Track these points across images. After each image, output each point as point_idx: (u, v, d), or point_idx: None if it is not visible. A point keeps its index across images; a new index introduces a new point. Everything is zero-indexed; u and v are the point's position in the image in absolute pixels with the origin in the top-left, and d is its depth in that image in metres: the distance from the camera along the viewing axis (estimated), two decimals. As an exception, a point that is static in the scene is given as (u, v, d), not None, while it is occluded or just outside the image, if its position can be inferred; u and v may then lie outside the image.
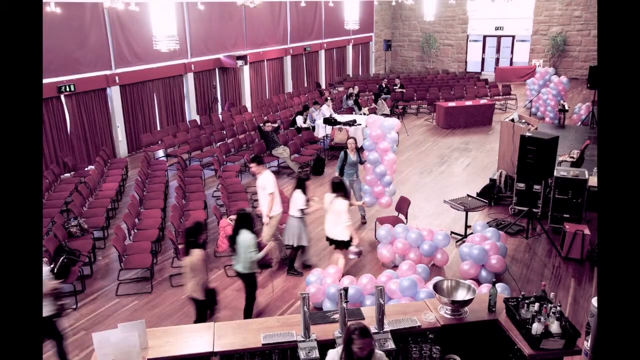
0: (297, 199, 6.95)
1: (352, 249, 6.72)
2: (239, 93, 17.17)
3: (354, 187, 8.51)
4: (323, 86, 21.20)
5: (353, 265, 7.38)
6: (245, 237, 5.70)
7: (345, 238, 6.66)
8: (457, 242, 7.89)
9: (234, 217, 7.62)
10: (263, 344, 4.08)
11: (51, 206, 8.57)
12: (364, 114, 14.75)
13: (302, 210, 6.97)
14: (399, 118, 15.31)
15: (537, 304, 4.18)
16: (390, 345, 4.06)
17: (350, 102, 15.89)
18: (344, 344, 3.37)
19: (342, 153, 8.47)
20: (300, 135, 12.87)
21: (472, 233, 7.65)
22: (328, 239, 6.86)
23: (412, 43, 26.74)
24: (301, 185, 7.02)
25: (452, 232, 8.15)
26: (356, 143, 8.54)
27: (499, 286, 5.64)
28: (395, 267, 7.08)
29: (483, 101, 16.42)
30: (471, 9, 24.05)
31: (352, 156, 8.38)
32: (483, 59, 25.60)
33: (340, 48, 22.80)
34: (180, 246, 6.60)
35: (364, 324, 3.43)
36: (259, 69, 17.87)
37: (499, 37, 25.01)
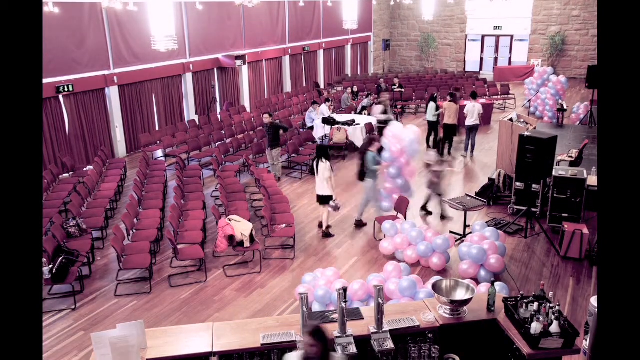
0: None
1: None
2: (238, 93, 17.16)
3: (374, 192, 8.60)
4: (322, 86, 21.20)
5: (352, 265, 7.39)
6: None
7: (328, 193, 8.07)
8: (456, 241, 7.89)
9: (232, 217, 7.64)
10: (262, 344, 4.08)
11: (50, 206, 8.55)
12: (362, 113, 14.75)
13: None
14: (397, 118, 15.32)
15: (536, 304, 4.19)
16: (389, 345, 4.06)
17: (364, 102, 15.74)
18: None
19: (370, 154, 8.34)
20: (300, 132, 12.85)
21: (471, 233, 7.66)
22: (318, 197, 8.24)
23: (411, 43, 26.76)
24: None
25: (451, 232, 8.16)
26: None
27: (498, 285, 5.64)
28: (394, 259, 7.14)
29: (482, 101, 16.38)
30: (470, 9, 24.04)
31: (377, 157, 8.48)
32: (482, 59, 25.61)
33: (338, 48, 22.80)
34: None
35: (321, 326, 3.39)
36: (257, 68, 17.86)
37: (498, 37, 25.03)
